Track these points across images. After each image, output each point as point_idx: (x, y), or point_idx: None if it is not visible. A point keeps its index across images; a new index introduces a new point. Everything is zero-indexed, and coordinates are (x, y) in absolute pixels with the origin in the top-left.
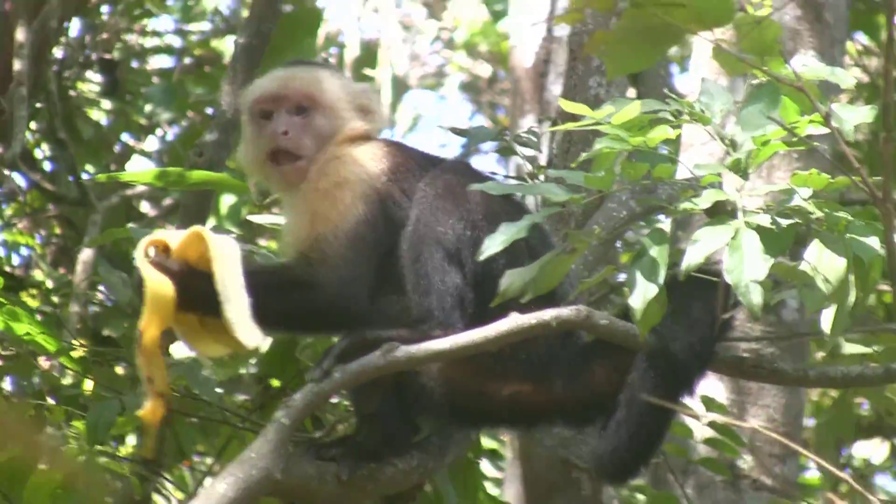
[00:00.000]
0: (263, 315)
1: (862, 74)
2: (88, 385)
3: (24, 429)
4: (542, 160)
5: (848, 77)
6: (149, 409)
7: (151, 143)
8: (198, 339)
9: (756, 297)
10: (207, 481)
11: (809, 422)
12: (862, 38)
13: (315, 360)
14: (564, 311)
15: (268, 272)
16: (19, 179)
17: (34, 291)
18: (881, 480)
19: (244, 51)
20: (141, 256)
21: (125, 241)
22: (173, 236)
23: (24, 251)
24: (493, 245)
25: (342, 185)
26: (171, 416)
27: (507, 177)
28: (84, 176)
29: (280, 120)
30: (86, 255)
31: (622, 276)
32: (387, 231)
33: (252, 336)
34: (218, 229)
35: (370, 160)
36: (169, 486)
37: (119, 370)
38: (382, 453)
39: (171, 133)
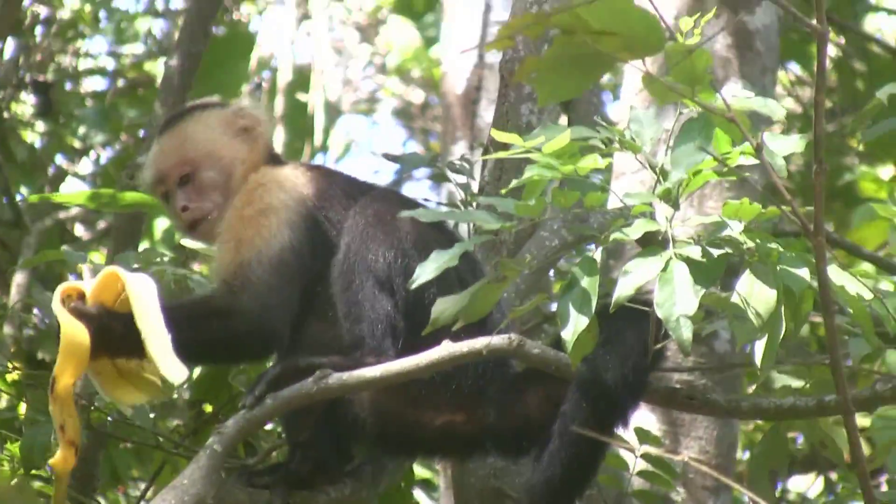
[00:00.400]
0: (186, 348)
1: (795, 104)
2: (23, 408)
3: None
4: (475, 187)
5: (779, 109)
6: (60, 457)
7: (85, 166)
8: (116, 386)
9: (686, 331)
10: None
11: (744, 454)
12: (795, 68)
13: (248, 386)
14: (496, 340)
15: (188, 304)
16: None
17: None
18: None
19: (176, 73)
20: (57, 303)
21: (59, 264)
22: (88, 283)
23: None
24: (424, 273)
25: (267, 211)
26: (106, 441)
27: (439, 204)
28: (17, 198)
29: (176, 198)
30: (20, 277)
31: (554, 305)
32: (313, 257)
33: (176, 371)
34: (151, 253)
35: (295, 186)
36: None
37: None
38: (315, 481)
39: (105, 155)
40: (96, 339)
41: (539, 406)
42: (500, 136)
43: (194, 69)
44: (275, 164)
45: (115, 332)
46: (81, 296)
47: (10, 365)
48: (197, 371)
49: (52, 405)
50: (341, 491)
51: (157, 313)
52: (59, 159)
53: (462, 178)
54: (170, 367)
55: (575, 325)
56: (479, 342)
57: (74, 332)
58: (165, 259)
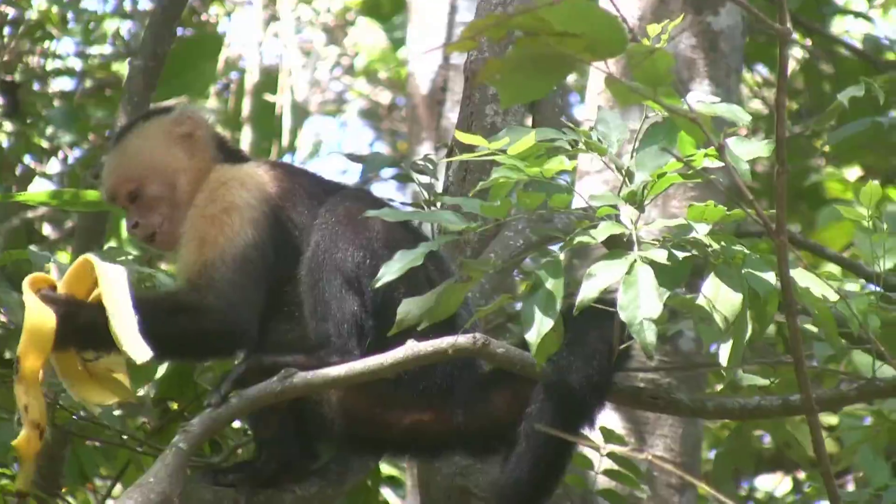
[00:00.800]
0: (154, 340)
1: (762, 106)
2: None
3: None
4: (439, 187)
5: (744, 114)
6: (23, 438)
7: (53, 166)
8: (84, 386)
9: (650, 335)
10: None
11: (710, 453)
12: (763, 71)
13: (213, 384)
14: (461, 339)
15: (156, 298)
16: None
17: None
18: None
19: (140, 73)
20: (26, 288)
21: (25, 264)
22: (60, 275)
23: None
24: (389, 272)
25: (229, 209)
26: (72, 439)
27: (404, 204)
28: None
29: (127, 216)
30: None
31: (519, 305)
32: (277, 256)
33: (140, 351)
34: (117, 251)
35: (257, 184)
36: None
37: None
38: (281, 479)
39: (73, 156)
40: (62, 326)
41: (506, 406)
42: (465, 138)
43: (159, 70)
44: (235, 162)
45: (81, 320)
46: (52, 287)
47: None
48: (162, 369)
49: (17, 386)
50: (307, 489)
51: (126, 297)
52: (27, 159)
53: (426, 179)
54: (134, 346)
55: (539, 327)
56: (443, 342)
57: (39, 314)
58: (130, 258)
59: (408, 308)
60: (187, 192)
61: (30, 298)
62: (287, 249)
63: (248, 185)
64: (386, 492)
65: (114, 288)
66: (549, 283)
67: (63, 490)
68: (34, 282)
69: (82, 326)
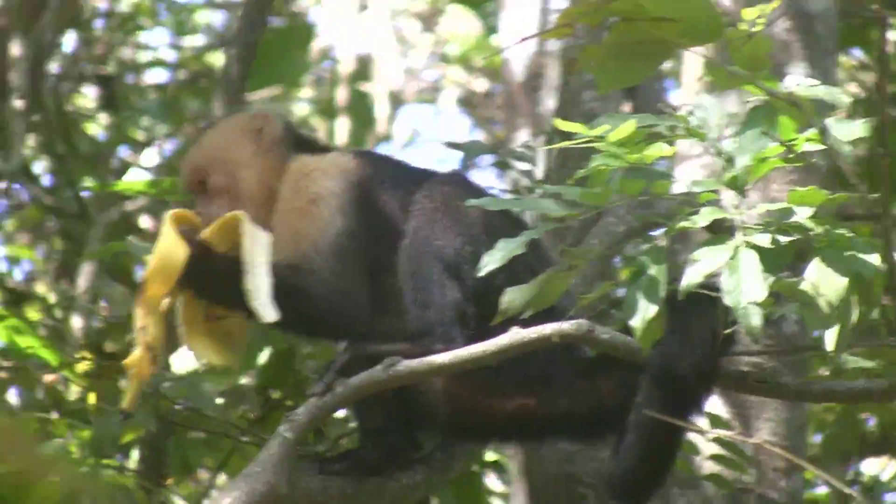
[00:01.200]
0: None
1: (858, 89)
2: (92, 399)
3: (26, 441)
4: (539, 174)
5: (843, 96)
6: (136, 357)
7: (149, 158)
8: (199, 340)
9: (755, 319)
10: (213, 495)
11: (815, 438)
12: (857, 53)
13: (315, 372)
14: (566, 326)
15: (277, 271)
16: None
17: (36, 306)
18: (891, 499)
19: (235, 63)
20: (168, 220)
21: (124, 255)
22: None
23: (25, 265)
24: (492, 261)
25: (316, 200)
26: (175, 430)
27: (503, 191)
28: (81, 190)
29: (195, 205)
30: (86, 268)
31: (622, 291)
32: (370, 243)
33: (268, 311)
34: None
35: (341, 173)
36: (174, 499)
37: (122, 384)
38: (386, 468)
39: (168, 147)
40: (193, 265)
41: (611, 392)
42: (563, 126)
43: (252, 59)
44: (316, 153)
45: (213, 266)
46: (194, 229)
47: (78, 356)
48: (263, 357)
49: (138, 307)
50: (412, 477)
51: (265, 259)
52: (123, 151)
53: (525, 166)
54: (264, 305)
55: (643, 314)
56: (548, 328)
57: (174, 245)
58: None
59: (512, 296)
60: (251, 185)
61: (168, 229)
62: (378, 237)
63: (331, 174)
64: (491, 480)
65: (256, 247)
66: (653, 269)
67: (168, 481)
68: (177, 217)
69: (211, 272)
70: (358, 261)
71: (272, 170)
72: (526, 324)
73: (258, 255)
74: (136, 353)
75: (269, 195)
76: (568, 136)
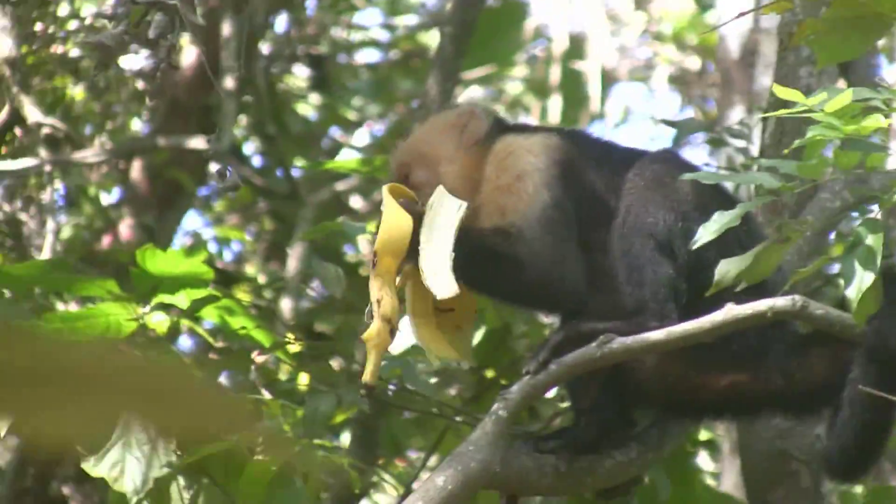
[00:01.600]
0: (474, 276)
1: None
2: (303, 379)
3: (243, 418)
4: (754, 151)
5: None
6: (374, 330)
7: (360, 138)
8: (429, 334)
9: None
10: (424, 475)
11: None
12: None
13: (529, 350)
14: (780, 302)
15: (483, 236)
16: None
17: (246, 287)
18: None
19: (449, 42)
20: (386, 192)
21: (336, 236)
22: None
23: (235, 247)
24: (706, 234)
25: (522, 176)
26: (387, 410)
27: (717, 168)
28: (292, 170)
29: None
30: (297, 249)
31: (835, 268)
32: (578, 219)
33: (442, 286)
34: None
35: (544, 150)
36: (386, 479)
37: (334, 364)
38: (601, 445)
39: (380, 127)
40: (416, 238)
41: (825, 368)
42: (782, 93)
43: (467, 39)
44: (520, 133)
45: None
46: (411, 201)
47: (290, 336)
48: (478, 336)
49: (372, 281)
50: (627, 455)
51: (448, 231)
52: (334, 132)
53: (741, 142)
54: (437, 281)
55: (859, 283)
56: (762, 304)
57: (400, 217)
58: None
59: (726, 268)
60: (453, 180)
61: (390, 201)
62: (586, 214)
63: (534, 151)
64: (702, 458)
65: (437, 220)
66: (869, 239)
67: (380, 462)
68: (394, 190)
69: None
70: (567, 233)
71: (475, 164)
72: (738, 300)
73: (439, 227)
74: (374, 326)
75: (472, 186)
76: (785, 108)
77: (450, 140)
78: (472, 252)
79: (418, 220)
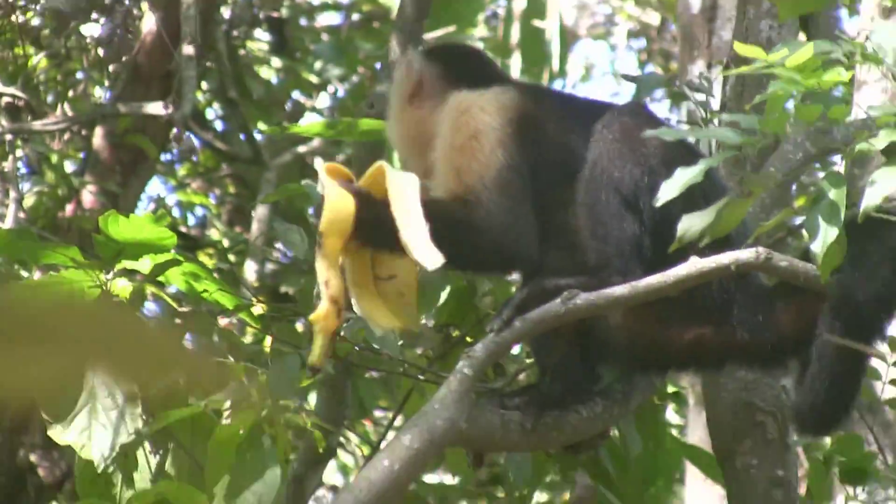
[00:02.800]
0: (438, 247)
1: None
2: (268, 342)
3: (208, 380)
4: (714, 105)
5: None
6: (321, 312)
7: (323, 101)
8: (373, 305)
9: None
10: (390, 435)
11: None
12: None
13: (494, 308)
14: (744, 254)
15: (440, 206)
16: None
17: (210, 251)
18: None
19: (410, 3)
20: (324, 174)
21: (300, 198)
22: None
23: (199, 211)
24: (670, 190)
25: (476, 135)
26: (353, 371)
27: (679, 122)
28: (255, 134)
29: None
30: (260, 212)
31: (799, 220)
32: (534, 177)
33: (430, 257)
34: None
35: (498, 108)
36: (353, 439)
37: (299, 327)
38: (566, 401)
39: (342, 90)
40: (361, 214)
41: (791, 321)
42: (743, 50)
43: (429, 0)
44: (477, 87)
45: (376, 213)
46: (349, 180)
47: (254, 299)
48: (443, 296)
49: (318, 262)
50: (592, 410)
51: (416, 204)
52: (297, 95)
53: (701, 97)
54: (424, 253)
55: (824, 238)
56: (726, 257)
57: (341, 197)
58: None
59: (689, 223)
60: (401, 137)
61: (330, 182)
62: (544, 171)
63: (488, 110)
64: (668, 411)
65: (403, 195)
66: (832, 193)
67: (346, 422)
68: (331, 170)
69: (378, 219)
70: (523, 194)
71: (424, 119)
72: (702, 255)
73: (407, 202)
74: (322, 308)
75: (424, 143)
76: (746, 62)
77: (396, 98)
78: (430, 223)
79: (360, 197)
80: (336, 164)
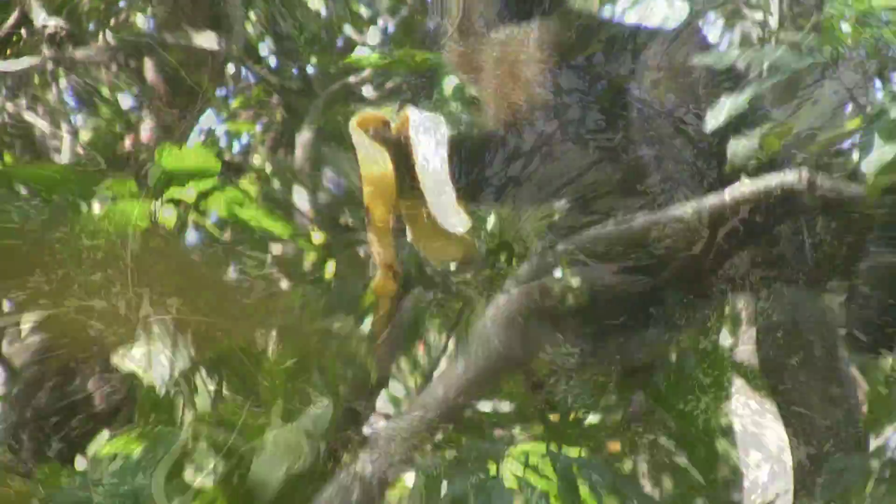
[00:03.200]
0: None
1: None
2: (330, 268)
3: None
4: (772, 24)
5: None
6: (378, 280)
7: (373, 37)
8: (428, 239)
9: None
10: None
11: None
12: None
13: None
14: (789, 176)
15: (477, 140)
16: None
17: (252, 177)
18: None
19: None
20: (355, 127)
21: (345, 126)
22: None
23: (244, 139)
24: (716, 118)
25: (519, 66)
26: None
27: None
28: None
29: None
30: (305, 136)
31: (848, 143)
32: (582, 105)
33: (458, 222)
34: (442, 104)
35: (542, 43)
36: (404, 366)
37: (360, 254)
38: (625, 325)
39: (392, 24)
40: (398, 165)
41: (832, 242)
42: None
43: None
44: (517, 25)
45: (410, 164)
46: (385, 125)
47: (311, 227)
48: (490, 222)
49: (368, 234)
50: (654, 333)
51: (441, 161)
52: (347, 30)
53: (758, 15)
54: (451, 219)
55: (879, 155)
56: (772, 179)
57: (374, 161)
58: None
59: (735, 147)
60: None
61: (363, 142)
62: (591, 98)
63: (530, 44)
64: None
65: (426, 149)
66: (893, 112)
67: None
68: (363, 120)
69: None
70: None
71: (464, 55)
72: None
73: (431, 162)
74: (378, 278)
75: (472, 77)
76: None
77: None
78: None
79: (393, 147)
80: (367, 112)
